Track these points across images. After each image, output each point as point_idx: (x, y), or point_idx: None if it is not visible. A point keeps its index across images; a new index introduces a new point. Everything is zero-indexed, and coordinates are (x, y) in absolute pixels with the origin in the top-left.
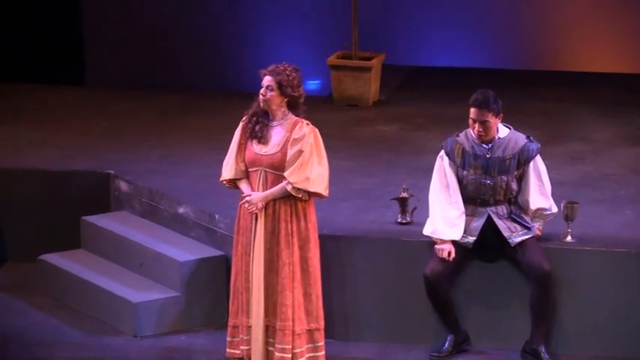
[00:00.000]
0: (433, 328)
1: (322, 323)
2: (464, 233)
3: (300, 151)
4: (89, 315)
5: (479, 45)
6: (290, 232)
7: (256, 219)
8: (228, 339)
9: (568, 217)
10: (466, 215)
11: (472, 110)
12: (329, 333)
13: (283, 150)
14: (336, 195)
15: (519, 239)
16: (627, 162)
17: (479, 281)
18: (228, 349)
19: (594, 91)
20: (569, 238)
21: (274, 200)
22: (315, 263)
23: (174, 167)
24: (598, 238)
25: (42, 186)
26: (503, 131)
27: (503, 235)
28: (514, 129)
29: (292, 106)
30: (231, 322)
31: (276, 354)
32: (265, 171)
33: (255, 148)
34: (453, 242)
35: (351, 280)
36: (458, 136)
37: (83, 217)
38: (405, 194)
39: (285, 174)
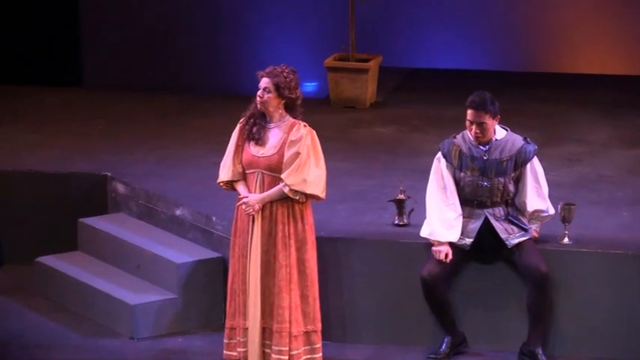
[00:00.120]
0: (430, 330)
1: (319, 325)
2: (461, 235)
3: (298, 153)
4: (86, 317)
5: (476, 47)
6: (287, 234)
7: (253, 221)
8: (225, 341)
9: (565, 219)
10: (463, 217)
11: (469, 112)
12: (326, 335)
13: (280, 152)
14: (334, 197)
15: (516, 241)
16: (624, 164)
17: (476, 283)
18: (225, 351)
19: (591, 93)
20: (566, 240)
21: (271, 202)
22: (312, 265)
23: (172, 169)
24: (595, 239)
25: (39, 188)
26: (500, 133)
27: (500, 237)
28: (511, 131)
29: (289, 108)
30: (228, 324)
31: (273, 356)
32: (262, 173)
33: (253, 149)
34: (450, 244)
35: (348, 282)
36: (455, 137)
37: (80, 219)
38: (402, 196)
39: (283, 176)
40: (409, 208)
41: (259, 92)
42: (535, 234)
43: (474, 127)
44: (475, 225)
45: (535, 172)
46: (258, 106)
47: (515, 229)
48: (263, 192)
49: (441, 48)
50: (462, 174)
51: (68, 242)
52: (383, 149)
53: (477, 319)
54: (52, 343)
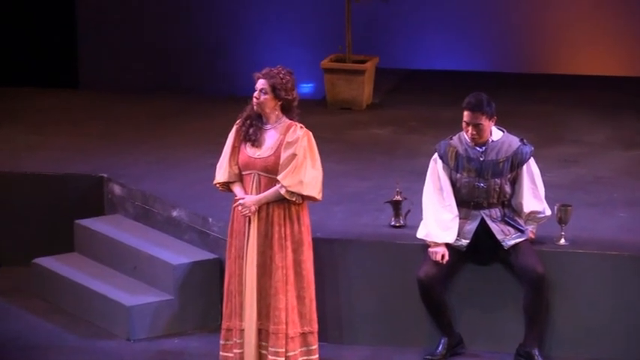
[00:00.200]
0: (427, 331)
1: (316, 326)
2: (457, 236)
3: (294, 155)
4: (83, 318)
5: (472, 48)
6: (283, 235)
7: (249, 222)
8: (222, 342)
9: (561, 220)
10: (460, 218)
11: (465, 113)
12: (322, 336)
13: (277, 153)
14: (330, 198)
15: (513, 242)
16: (621, 165)
17: (472, 284)
18: (221, 352)
19: (588, 94)
20: (562, 241)
21: (268, 203)
22: (308, 266)
23: (168, 170)
24: (591, 240)
25: (36, 189)
26: (496, 134)
27: (496, 238)
28: (507, 132)
29: (286, 110)
30: (224, 325)
31: (270, 357)
32: (259, 174)
33: (249, 151)
34: (447, 245)
35: (344, 283)
36: (451, 139)
37: (77, 221)
38: (398, 197)
39: (279, 177)
40: (406, 209)
41: (256, 93)
42: (531, 235)
43: (470, 128)
44: (471, 226)
45: (531, 174)
46: (255, 107)
47: (512, 230)
48: (259, 193)
49: (437, 49)
50: (459, 175)
51: (65, 244)
52: (379, 150)
53: (474, 320)
54: (49, 345)
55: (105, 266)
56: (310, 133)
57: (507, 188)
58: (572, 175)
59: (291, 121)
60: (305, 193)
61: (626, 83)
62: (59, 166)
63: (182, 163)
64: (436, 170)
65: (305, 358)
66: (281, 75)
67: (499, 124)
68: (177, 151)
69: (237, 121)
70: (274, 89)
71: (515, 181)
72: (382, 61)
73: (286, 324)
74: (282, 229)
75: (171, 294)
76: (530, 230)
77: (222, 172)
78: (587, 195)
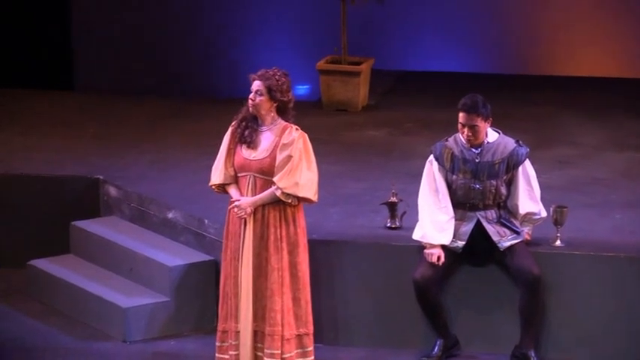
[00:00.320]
0: (423, 333)
1: (311, 328)
2: (453, 238)
3: (290, 157)
4: (79, 320)
5: (468, 50)
6: (279, 237)
7: (245, 224)
8: (217, 344)
9: (557, 222)
10: (455, 220)
11: (461, 115)
12: (318, 338)
13: (272, 155)
14: (326, 200)
15: (508, 243)
16: (616, 166)
17: (468, 286)
18: (217, 354)
19: (583, 96)
20: (558, 243)
21: (263, 205)
22: (304, 268)
23: (164, 172)
24: (587, 242)
25: (31, 191)
26: (492, 136)
27: (492, 240)
28: (503, 133)
29: (281, 111)
30: (220, 327)
31: (265, 359)
32: (254, 176)
33: (245, 153)
34: (443, 247)
35: (340, 284)
36: (447, 140)
37: (72, 223)
38: (394, 199)
39: (275, 179)
40: (401, 210)
41: (251, 95)
42: (527, 237)
43: (465, 129)
44: (467, 227)
45: (527, 175)
46: (250, 109)
47: (508, 231)
48: (255, 195)
49: (433, 51)
50: (454, 177)
51: (60, 245)
52: (375, 152)
53: (470, 322)
54: (45, 346)
55: (101, 268)
56: (306, 135)
57: (503, 190)
58: (567, 176)
59: (286, 123)
60: (301, 194)
61: (622, 84)
62: (55, 167)
63: (178, 164)
64: (432, 172)
65: (301, 359)
66: (277, 76)
67: (495, 126)
68: (173, 153)
69: (233, 123)
70: (270, 91)
71: (510, 183)
72: (378, 63)
73: (282, 326)
74: (278, 230)
75: (167, 296)
76: (526, 232)
77: (217, 174)
78: (583, 196)
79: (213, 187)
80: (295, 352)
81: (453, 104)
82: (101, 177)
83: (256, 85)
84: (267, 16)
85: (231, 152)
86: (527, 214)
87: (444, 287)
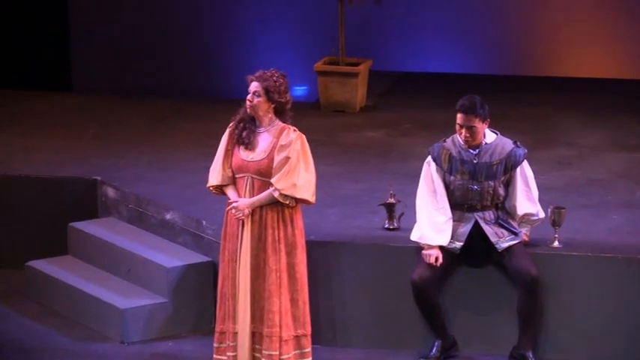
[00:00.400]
0: (420, 334)
1: (309, 329)
2: (451, 239)
3: (287, 158)
4: (77, 321)
5: (466, 51)
6: (277, 238)
7: (243, 225)
8: (215, 345)
9: (555, 223)
10: (453, 221)
11: (459, 116)
12: (316, 339)
13: (270, 156)
14: (324, 201)
15: (506, 244)
16: (614, 167)
17: (466, 287)
18: (214, 355)
19: (581, 97)
20: (556, 244)
21: (261, 206)
22: (302, 269)
23: (162, 173)
24: (585, 243)
25: (29, 192)
26: (490, 137)
27: (490, 241)
28: (501, 134)
29: (279, 112)
30: (217, 328)
31: None
32: (252, 177)
33: (242, 154)
34: (441, 248)
35: (338, 285)
36: (445, 141)
37: (70, 224)
38: (392, 200)
39: (272, 180)
40: (399, 212)
41: (249, 96)
42: (525, 238)
43: (463, 130)
44: (465, 229)
45: (525, 176)
46: (248, 110)
47: (506, 232)
48: (253, 196)
49: (430, 52)
50: (452, 178)
51: (58, 246)
52: (373, 153)
53: (468, 323)
54: (43, 347)
55: (99, 269)
56: (303, 136)
57: (501, 191)
58: (565, 177)
59: (284, 124)
60: (298, 196)
61: (620, 85)
62: (53, 168)
63: (176, 165)
64: (430, 173)
65: None
66: (274, 78)
67: (493, 127)
68: (171, 154)
69: (231, 124)
70: (267, 92)
71: (508, 184)
72: (375, 64)
73: (280, 327)
74: (276, 232)
75: (165, 297)
76: (524, 233)
77: (215, 175)
78: (581, 197)
79: (211, 188)
80: (293, 353)
81: (450, 105)
82: (99, 178)
83: (254, 86)
84: (265, 17)
85: (228, 153)
86: (525, 215)
87: (442, 288)
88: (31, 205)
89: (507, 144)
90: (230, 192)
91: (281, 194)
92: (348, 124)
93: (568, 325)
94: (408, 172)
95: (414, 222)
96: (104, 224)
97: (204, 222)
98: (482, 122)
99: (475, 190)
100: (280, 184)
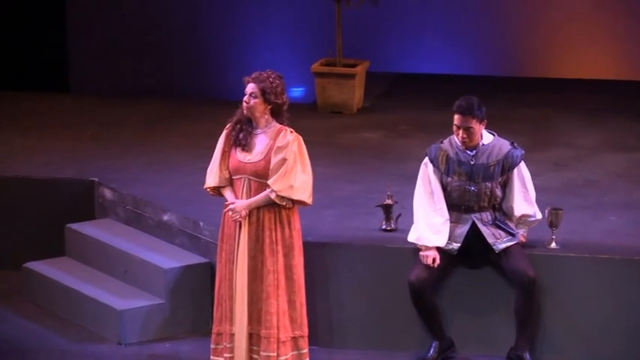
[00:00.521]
0: (418, 335)
1: (306, 330)
2: (448, 240)
3: (284, 159)
4: (74, 322)
5: (463, 52)
6: (274, 239)
7: (240, 227)
8: (212, 346)
9: (552, 224)
10: (450, 222)
11: (456, 117)
12: (313, 340)
13: (267, 158)
14: (321, 202)
15: (504, 246)
16: (612, 168)
17: (464, 288)
18: (211, 357)
19: (579, 98)
20: (553, 245)
21: (258, 208)
22: (299, 271)
23: (159, 174)
24: (582, 244)
25: (26, 193)
26: (487, 138)
27: (487, 242)
28: (498, 135)
29: (276, 114)
30: (215, 329)
31: None
32: (249, 179)
33: (239, 155)
34: (438, 249)
35: (335, 287)
36: (442, 142)
37: (68, 225)
38: (389, 201)
39: (269, 182)
40: (396, 213)
41: (245, 98)
42: (522, 239)
43: (460, 131)
44: (462, 230)
45: (522, 177)
46: (245, 111)
47: (503, 233)
48: (250, 198)
49: (428, 53)
50: (449, 179)
51: (56, 248)
52: (370, 154)
53: (465, 324)
54: (40, 349)
55: (96, 270)
56: (300, 138)
57: (498, 192)
58: (563, 178)
59: (281, 126)
60: (295, 197)
61: (617, 86)
62: (50, 170)
63: (173, 167)
64: (427, 174)
65: None
66: (271, 79)
67: (490, 128)
68: (168, 155)
69: (227, 126)
70: (264, 93)
71: (506, 185)
72: (373, 65)
73: (278, 328)
74: (273, 233)
75: (162, 298)
76: (521, 234)
77: (212, 177)
78: (578, 198)
79: (208, 189)
80: (291, 354)
81: (448, 106)
82: (96, 179)
83: (250, 87)
84: (262, 18)
85: (225, 155)
86: (523, 216)
87: (440, 289)
88: (28, 206)
89: (505, 145)
90: (227, 193)
91: (278, 196)
92: (346, 126)
93: (565, 327)
94: (406, 174)
95: (412, 223)
96: (101, 225)
97: (201, 223)
98: (480, 123)
99: (472, 192)
100: (277, 186)
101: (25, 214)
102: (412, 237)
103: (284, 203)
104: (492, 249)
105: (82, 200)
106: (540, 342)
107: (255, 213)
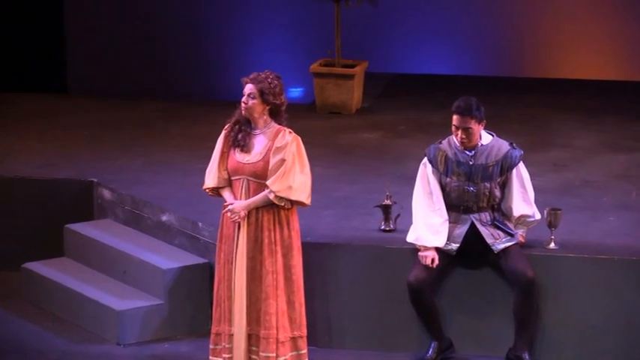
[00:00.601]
0: (417, 335)
1: (305, 331)
2: (447, 240)
3: (283, 160)
4: (73, 323)
5: (462, 52)
6: (273, 240)
7: (239, 227)
8: (211, 346)
9: (551, 224)
10: (449, 222)
11: (455, 117)
12: (312, 340)
13: (266, 158)
14: (319, 203)
15: (503, 246)
16: (610, 169)
17: (462, 288)
18: (210, 357)
19: (577, 98)
20: (552, 245)
21: (257, 208)
22: (298, 271)
23: (158, 175)
24: (581, 244)
25: (25, 194)
26: (486, 138)
27: (486, 242)
28: (497, 136)
29: (274, 114)
30: (213, 330)
31: None
32: (248, 179)
33: (238, 156)
34: (437, 249)
35: (334, 287)
36: (441, 143)
37: (66, 225)
38: (388, 201)
39: (268, 182)
40: (395, 213)
41: (244, 98)
42: (521, 239)
43: (459, 132)
44: (461, 230)
45: (521, 178)
46: (243, 112)
47: (502, 234)
48: (248, 198)
49: (426, 53)
50: (448, 179)
51: (54, 248)
52: (369, 155)
53: (464, 325)
54: (39, 349)
55: (95, 271)
56: (299, 138)
57: (497, 192)
58: (561, 179)
59: (279, 126)
60: (294, 198)
61: (616, 87)
62: (48, 170)
63: (172, 167)
64: (426, 174)
65: None
66: (269, 79)
67: (489, 129)
68: (167, 156)
69: (226, 127)
70: (262, 94)
71: (504, 185)
72: (371, 66)
73: (277, 329)
74: (272, 234)
75: (161, 298)
76: (520, 234)
77: (211, 178)
78: (577, 199)
79: (207, 190)
80: (290, 354)
81: (446, 107)
82: (95, 180)
83: (248, 88)
84: (261, 18)
85: (224, 156)
86: (521, 216)
87: (438, 290)
88: (26, 207)
89: (503, 145)
90: (226, 194)
91: (276, 196)
92: (344, 126)
93: (564, 327)
94: (404, 174)
95: (410, 224)
96: (100, 226)
97: (200, 224)
98: (478, 124)
99: (471, 192)
100: (276, 187)
101: (24, 214)
102: (411, 237)
103: (283, 204)
104: (491, 249)
105: (80, 201)
106: (539, 342)
107: (254, 213)
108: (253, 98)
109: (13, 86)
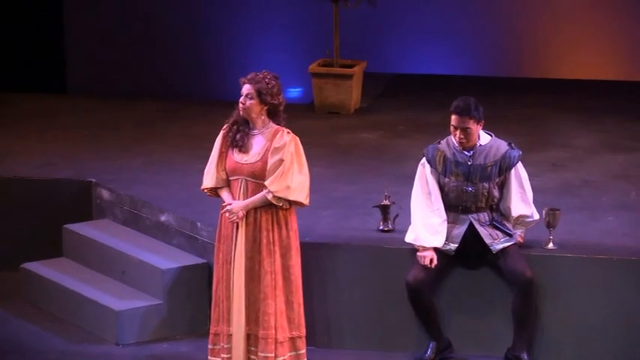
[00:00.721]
0: (415, 336)
1: (304, 331)
2: (446, 240)
3: (281, 160)
4: (72, 323)
5: (461, 52)
6: (271, 240)
7: (237, 227)
8: (210, 346)
9: (550, 224)
10: (448, 222)
11: (453, 117)
12: (311, 340)
13: (264, 159)
14: (318, 203)
15: (501, 246)
16: (609, 169)
17: (461, 288)
18: (209, 357)
19: (576, 98)
20: (550, 245)
21: (255, 209)
22: (296, 271)
23: (157, 175)
24: (580, 245)
25: (24, 194)
26: (484, 138)
27: (485, 242)
28: (496, 136)
29: (272, 115)
30: (212, 330)
31: None
32: (246, 180)
33: (236, 156)
34: (435, 249)
35: (332, 287)
36: (439, 143)
37: (65, 226)
38: (386, 202)
39: (266, 183)
40: (394, 213)
41: (241, 99)
42: (520, 239)
43: (458, 132)
44: (460, 230)
45: (519, 178)
46: (241, 112)
47: (500, 234)
48: (247, 199)
49: (425, 53)
50: (447, 179)
51: (53, 248)
52: (367, 155)
53: (463, 325)
54: (38, 349)
55: (94, 271)
56: (297, 139)
57: (495, 192)
58: (560, 179)
59: (278, 127)
60: (292, 198)
61: (615, 87)
62: (47, 170)
63: (170, 167)
64: (424, 174)
65: None
66: (267, 80)
67: (487, 129)
68: (166, 156)
69: (224, 127)
70: (260, 94)
71: (503, 185)
72: (370, 66)
73: (275, 329)
74: (270, 234)
75: (159, 299)
76: (519, 234)
77: (209, 178)
78: (576, 199)
79: (206, 190)
80: (288, 355)
81: (445, 107)
82: (94, 180)
83: (246, 88)
84: (260, 18)
85: (222, 156)
86: (520, 216)
87: (437, 290)
88: (25, 207)
89: (502, 145)
90: (224, 194)
91: (275, 196)
92: (343, 126)
93: (563, 327)
94: (403, 174)
95: (409, 224)
96: (99, 226)
97: (198, 224)
98: (477, 124)
99: (470, 192)
100: (274, 187)
101: (23, 214)
102: (409, 237)
103: (281, 204)
104: (490, 249)
105: (79, 201)
106: (538, 342)
107: (252, 214)
108: (251, 98)
109: (12, 86)
